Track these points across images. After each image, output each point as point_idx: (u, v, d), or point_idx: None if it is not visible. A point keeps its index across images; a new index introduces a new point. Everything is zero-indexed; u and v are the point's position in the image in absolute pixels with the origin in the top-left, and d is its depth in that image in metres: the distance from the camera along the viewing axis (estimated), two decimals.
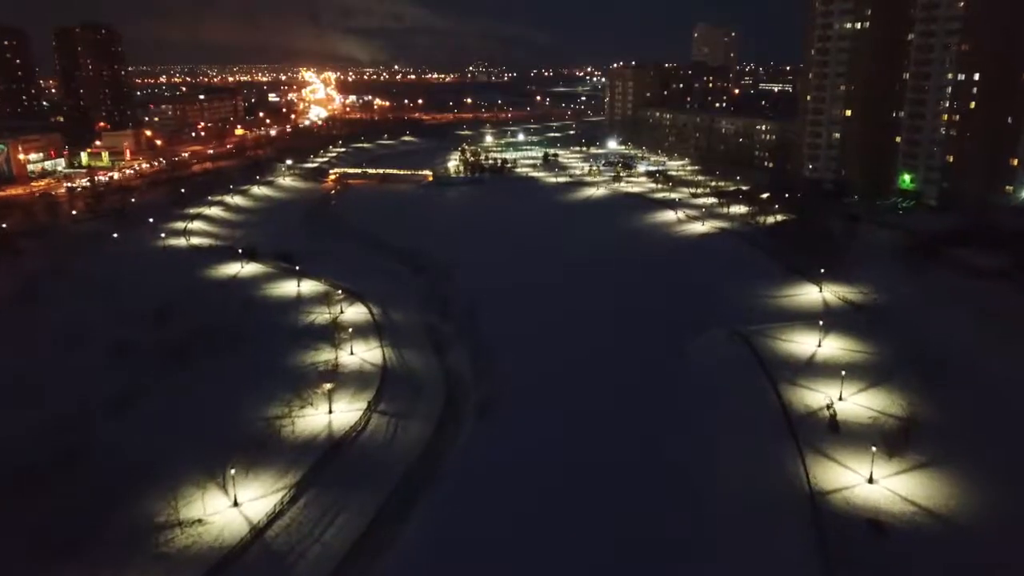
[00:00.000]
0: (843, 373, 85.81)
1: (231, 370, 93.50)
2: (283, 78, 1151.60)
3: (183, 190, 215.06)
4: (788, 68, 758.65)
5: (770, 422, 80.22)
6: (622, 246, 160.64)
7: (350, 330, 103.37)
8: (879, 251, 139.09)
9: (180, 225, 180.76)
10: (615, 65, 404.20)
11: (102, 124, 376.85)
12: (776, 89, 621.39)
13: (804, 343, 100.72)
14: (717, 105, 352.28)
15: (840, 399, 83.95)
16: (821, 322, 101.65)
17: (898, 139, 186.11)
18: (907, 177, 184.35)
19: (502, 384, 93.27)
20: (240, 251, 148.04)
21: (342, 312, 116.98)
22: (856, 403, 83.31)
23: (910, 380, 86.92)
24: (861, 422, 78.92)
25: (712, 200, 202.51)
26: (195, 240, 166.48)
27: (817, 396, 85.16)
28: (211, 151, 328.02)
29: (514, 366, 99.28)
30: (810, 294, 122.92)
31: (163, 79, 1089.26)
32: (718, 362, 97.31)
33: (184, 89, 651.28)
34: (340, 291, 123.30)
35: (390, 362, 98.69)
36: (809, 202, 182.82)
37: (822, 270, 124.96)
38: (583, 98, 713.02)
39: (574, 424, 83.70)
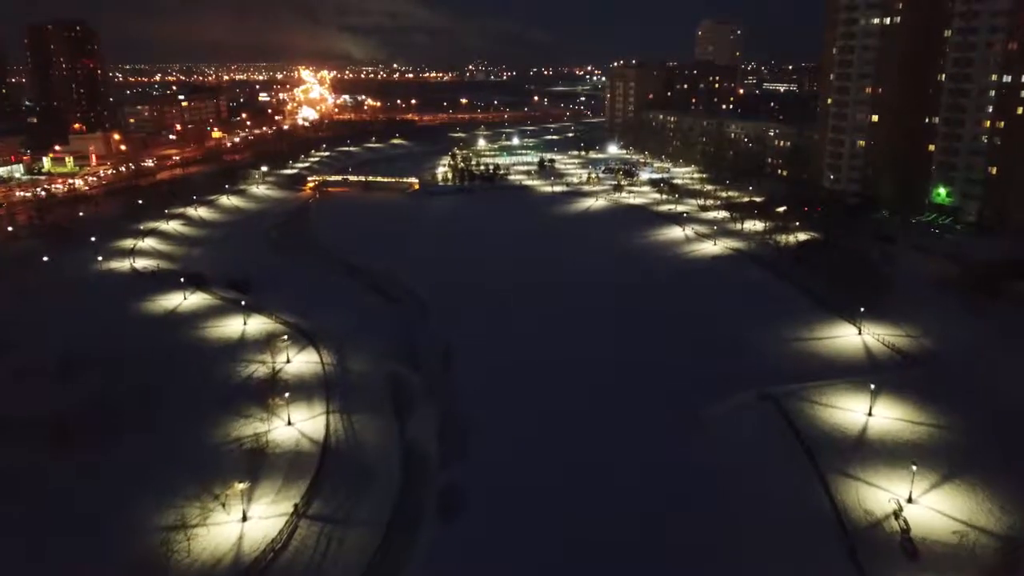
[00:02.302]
0: (914, 468, 66.05)
1: (131, 452, 73.86)
2: (280, 76, 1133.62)
3: (140, 201, 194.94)
4: (791, 67, 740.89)
5: (822, 538, 60.80)
6: (623, 271, 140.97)
7: (287, 395, 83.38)
8: (924, 283, 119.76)
9: (129, 243, 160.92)
10: (616, 64, 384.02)
11: (77, 126, 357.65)
12: (782, 89, 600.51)
13: (850, 410, 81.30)
14: (723, 107, 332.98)
15: (910, 500, 64.52)
16: (873, 385, 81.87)
17: (932, 148, 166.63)
18: (942, 191, 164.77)
19: (475, 469, 74.08)
20: (182, 279, 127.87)
21: (288, 361, 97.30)
22: (931, 507, 63.81)
23: (998, 469, 67.56)
24: (944, 540, 59.40)
25: (723, 214, 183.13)
26: (141, 263, 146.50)
27: (878, 496, 65.70)
28: (185, 156, 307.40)
29: (491, 438, 79.99)
30: (847, 337, 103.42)
31: (158, 77, 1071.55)
32: (746, 440, 77.78)
33: (174, 88, 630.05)
34: (287, 336, 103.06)
35: (335, 436, 79.11)
36: (833, 218, 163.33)
37: (861, 308, 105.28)
38: (583, 98, 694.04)
39: (568, 530, 64.36)
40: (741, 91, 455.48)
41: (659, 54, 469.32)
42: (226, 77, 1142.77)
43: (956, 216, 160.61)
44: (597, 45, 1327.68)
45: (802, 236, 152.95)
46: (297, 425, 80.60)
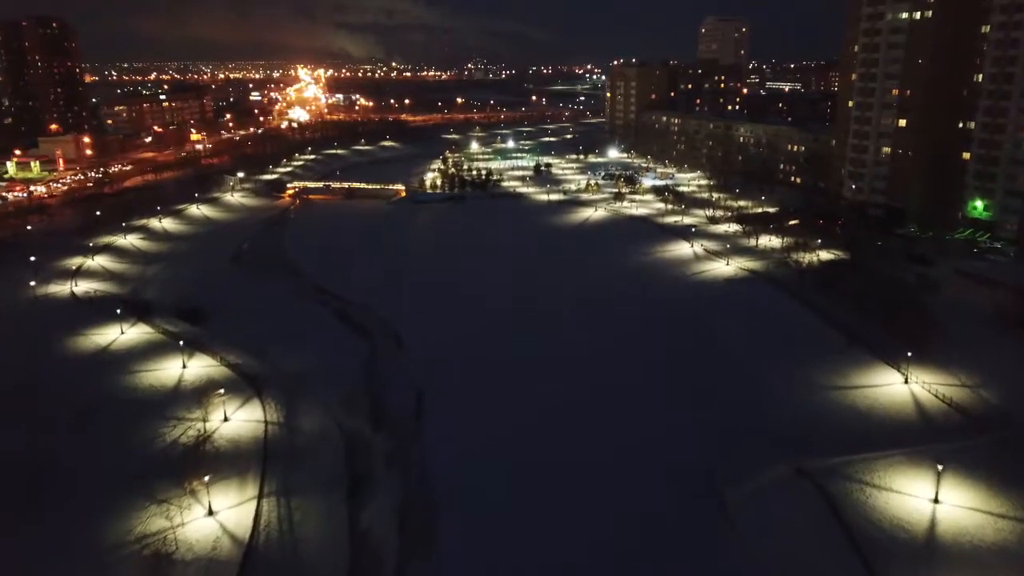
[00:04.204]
0: None
1: None
2: (276, 75, 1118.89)
3: (99, 212, 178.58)
4: (793, 66, 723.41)
5: None
6: (625, 299, 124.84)
7: (206, 478, 66.93)
8: (974, 316, 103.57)
9: (76, 262, 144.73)
10: (616, 63, 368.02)
11: (54, 127, 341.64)
12: (786, 88, 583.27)
13: (910, 494, 65.21)
14: (729, 108, 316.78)
15: None
16: (941, 466, 65.65)
17: (967, 156, 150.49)
18: (979, 204, 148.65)
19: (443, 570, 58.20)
20: (118, 311, 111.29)
21: (225, 419, 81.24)
22: None
23: None
24: None
25: (734, 227, 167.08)
26: (84, 286, 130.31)
27: None
28: (161, 159, 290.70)
29: (465, 529, 63.97)
30: (892, 386, 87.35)
31: (153, 76, 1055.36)
32: (782, 537, 61.64)
33: (166, 87, 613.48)
34: (223, 390, 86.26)
35: (266, 532, 62.98)
36: (856, 232, 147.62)
37: (908, 353, 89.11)
38: (582, 98, 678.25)
39: None
40: (745, 91, 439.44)
41: (661, 52, 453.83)
42: (222, 76, 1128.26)
43: (994, 232, 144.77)
44: (597, 44, 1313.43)
45: (825, 255, 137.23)
46: (220, 515, 64.45)
